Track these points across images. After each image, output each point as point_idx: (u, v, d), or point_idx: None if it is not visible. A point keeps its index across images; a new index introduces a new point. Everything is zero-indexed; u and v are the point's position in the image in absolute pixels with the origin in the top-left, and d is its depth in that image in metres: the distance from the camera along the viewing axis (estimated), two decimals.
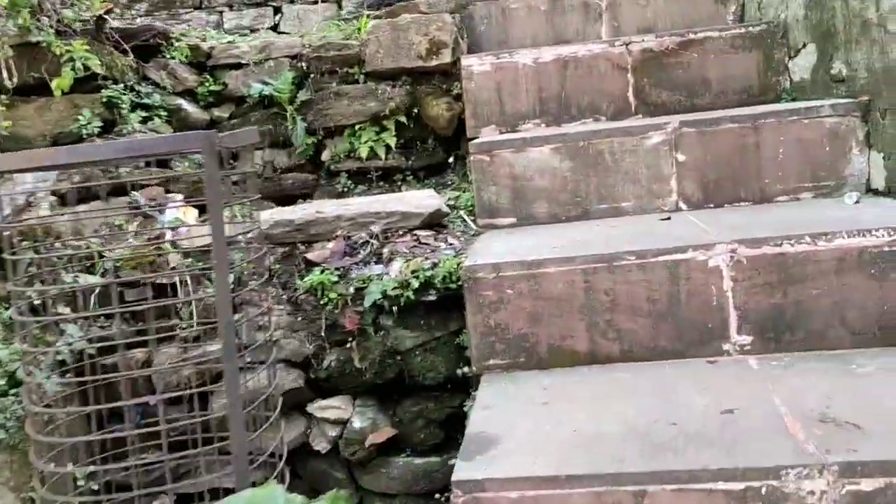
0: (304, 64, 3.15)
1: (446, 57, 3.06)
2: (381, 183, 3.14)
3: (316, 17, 4.50)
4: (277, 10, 4.55)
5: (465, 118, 3.04)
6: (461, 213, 2.60)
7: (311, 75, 3.15)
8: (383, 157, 3.10)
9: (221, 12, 4.49)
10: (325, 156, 3.18)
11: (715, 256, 1.87)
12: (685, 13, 3.44)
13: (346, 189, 3.13)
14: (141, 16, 4.48)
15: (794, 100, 2.84)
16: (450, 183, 3.11)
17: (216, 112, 3.21)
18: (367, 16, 3.67)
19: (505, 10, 3.52)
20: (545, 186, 2.48)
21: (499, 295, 1.95)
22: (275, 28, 4.54)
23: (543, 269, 1.93)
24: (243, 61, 3.16)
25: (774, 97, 2.90)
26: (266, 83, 3.10)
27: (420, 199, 2.44)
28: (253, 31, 4.46)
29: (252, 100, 3.13)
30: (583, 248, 2.01)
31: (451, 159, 3.21)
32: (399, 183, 3.15)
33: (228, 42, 3.23)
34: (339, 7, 4.62)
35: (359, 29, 3.25)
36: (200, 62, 3.20)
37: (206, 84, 3.17)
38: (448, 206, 2.66)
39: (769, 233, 1.92)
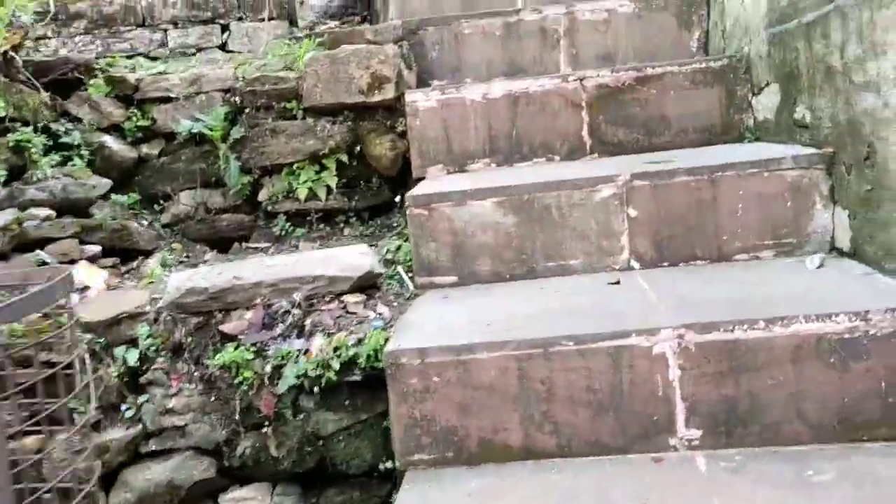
0: (237, 98, 2.94)
1: (389, 92, 2.86)
2: (322, 225, 2.94)
3: (265, 35, 4.29)
4: (225, 28, 4.34)
5: (410, 157, 2.85)
6: (399, 268, 2.40)
7: (246, 110, 2.94)
8: (324, 198, 2.90)
9: (166, 30, 4.26)
10: (262, 196, 2.97)
11: (661, 342, 1.69)
12: (647, 39, 3.26)
13: (284, 232, 2.93)
14: (80, 34, 4.25)
15: (757, 139, 2.67)
16: (395, 225, 2.92)
17: (145, 149, 2.99)
18: (311, 37, 3.47)
19: (458, 35, 3.32)
20: (488, 243, 2.29)
21: (425, 383, 1.76)
22: (223, 46, 4.33)
23: (474, 355, 1.74)
24: (173, 95, 2.94)
25: (737, 136, 2.73)
26: (197, 119, 2.88)
27: (351, 259, 2.24)
28: (199, 49, 4.25)
29: (182, 136, 2.91)
30: (520, 326, 1.82)
31: (397, 198, 3.01)
32: (341, 225, 2.95)
33: (157, 74, 3.00)
34: (291, 24, 4.40)
35: (295, 62, 3.03)
36: (127, 95, 2.98)
37: (134, 119, 2.95)
38: (386, 259, 2.47)
39: (721, 311, 1.74)
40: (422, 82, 3.29)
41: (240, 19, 4.28)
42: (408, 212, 2.31)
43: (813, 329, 1.65)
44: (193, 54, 4.26)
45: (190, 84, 2.94)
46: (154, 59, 4.20)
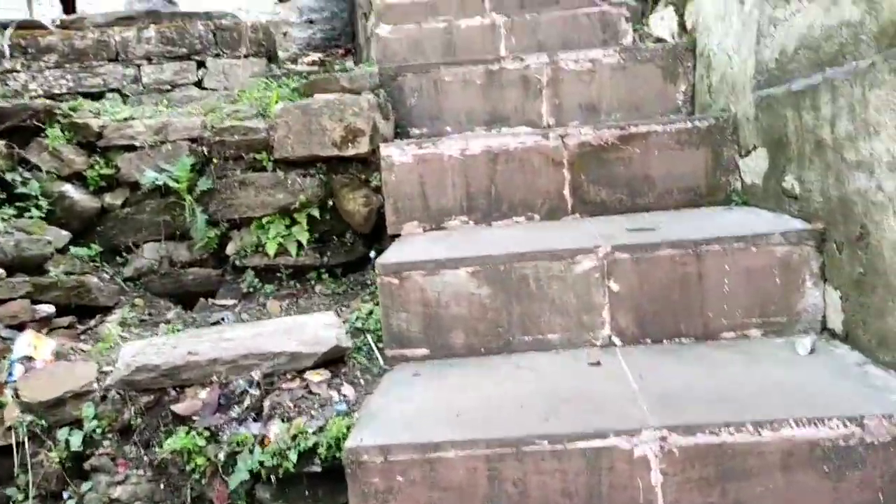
0: (205, 148, 2.81)
1: (363, 146, 2.75)
2: (293, 282, 2.82)
3: (242, 72, 4.18)
4: (201, 64, 4.22)
5: (385, 212, 2.73)
6: (369, 338, 2.28)
7: (214, 160, 2.82)
8: (294, 253, 2.78)
9: (140, 66, 4.14)
10: (230, 249, 2.85)
11: (642, 444, 1.57)
12: (632, 90, 3.17)
13: (252, 288, 2.80)
14: (51, 67, 4.12)
15: (744, 203, 2.57)
16: (369, 282, 2.79)
17: (108, 198, 2.86)
18: (288, 77, 3.37)
19: (438, 82, 3.22)
20: (462, 314, 2.17)
21: (388, 483, 1.63)
22: (199, 83, 4.21)
23: (441, 454, 1.62)
24: (138, 143, 2.82)
25: (724, 198, 2.64)
26: (162, 170, 2.76)
27: (316, 331, 2.11)
28: (174, 86, 4.14)
29: (147, 187, 2.78)
30: (491, 418, 1.70)
31: (372, 253, 2.89)
32: (313, 282, 2.83)
33: (123, 120, 2.87)
34: (270, 62, 4.29)
35: (267, 108, 2.92)
36: (91, 142, 2.84)
37: (97, 167, 2.82)
38: (355, 328, 2.34)
39: (707, 407, 1.63)
40: (400, 130, 3.19)
41: (217, 56, 4.17)
42: (378, 280, 2.19)
43: (805, 434, 1.54)
44: (168, 91, 4.15)
45: (156, 132, 2.82)
46: (126, 95, 4.09)
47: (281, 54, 5.98)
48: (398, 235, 2.70)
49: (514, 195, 2.70)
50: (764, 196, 2.42)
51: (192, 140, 2.81)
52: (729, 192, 2.64)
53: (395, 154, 2.70)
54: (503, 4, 4.13)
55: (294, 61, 6.06)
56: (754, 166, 2.48)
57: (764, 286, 2.09)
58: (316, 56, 6.00)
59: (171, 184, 2.71)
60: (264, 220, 2.77)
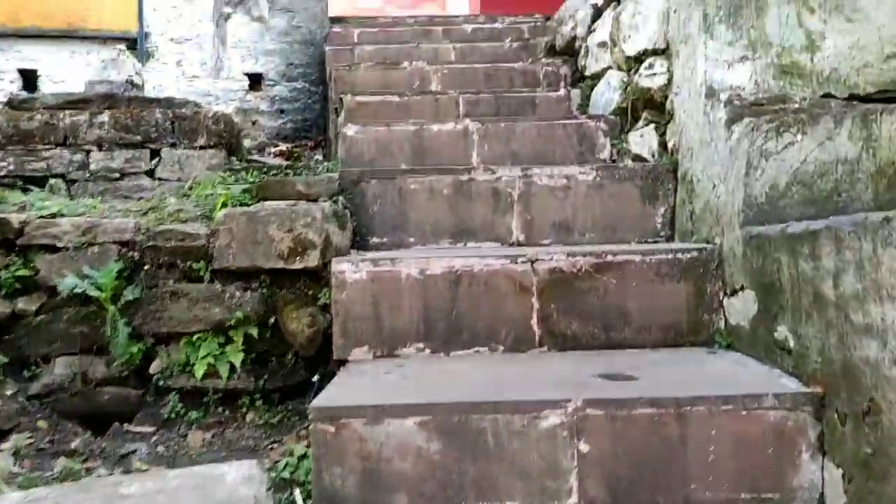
0: (136, 253, 2.54)
1: (313, 260, 2.49)
2: (221, 409, 2.49)
3: (200, 163, 3.95)
4: (156, 153, 3.98)
5: (333, 333, 2.44)
6: (296, 494, 1.95)
7: (146, 267, 2.54)
8: (225, 376, 2.47)
9: (89, 151, 3.90)
10: (154, 368, 2.53)
11: None
12: (608, 210, 2.97)
13: (175, 414, 2.47)
14: None
15: (729, 346, 2.33)
16: (309, 413, 2.47)
17: (21, 303, 2.55)
18: (241, 178, 3.13)
19: (403, 190, 3.00)
20: (407, 472, 1.86)
21: None
22: (150, 173, 3.97)
23: None
24: (61, 244, 2.53)
25: (707, 338, 2.39)
26: (85, 275, 2.46)
27: (231, 490, 1.78)
28: (124, 174, 3.89)
29: (66, 293, 2.48)
30: None
31: (315, 377, 2.58)
32: (244, 409, 2.51)
33: (49, 217, 2.60)
34: (230, 154, 4.07)
35: (213, 210, 2.66)
36: (9, 239, 2.55)
37: (13, 267, 2.52)
38: (282, 478, 2.02)
39: None
40: (359, 238, 2.94)
41: (173, 145, 3.94)
42: (311, 427, 1.89)
43: None
44: (117, 179, 3.90)
45: (83, 233, 2.54)
46: (72, 181, 3.82)
47: (248, 143, 5.81)
48: (345, 361, 2.41)
49: (477, 322, 2.44)
50: (751, 342, 2.18)
51: (123, 244, 2.53)
52: (712, 332, 2.39)
53: (348, 271, 2.44)
54: (478, 110, 3.99)
55: (261, 150, 5.88)
56: (741, 308, 2.24)
57: (754, 456, 1.81)
58: (284, 146, 5.82)
59: (93, 292, 2.41)
60: (195, 337, 2.47)
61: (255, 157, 5.45)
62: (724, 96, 2.53)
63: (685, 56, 2.84)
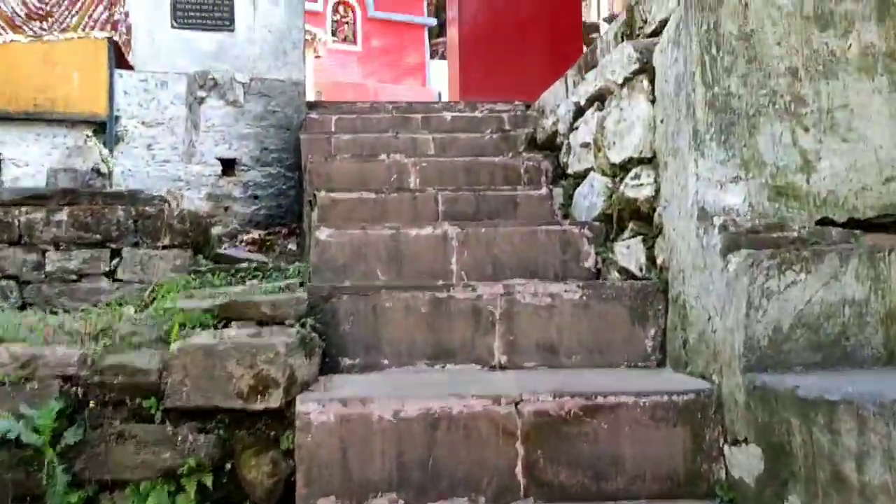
0: (81, 389, 2.29)
1: (275, 399, 2.27)
2: None
3: (163, 264, 3.74)
4: (116, 253, 3.77)
5: (296, 480, 2.21)
6: None
7: (91, 405, 2.30)
8: None
9: (45, 251, 3.69)
10: None
11: None
12: (596, 331, 2.80)
13: None
14: None
15: (730, 502, 2.12)
16: None
17: None
18: (207, 281, 2.92)
19: (377, 307, 2.81)
20: None
21: None
22: (111, 274, 3.75)
23: None
24: None
25: (706, 491, 2.19)
26: (21, 416, 2.21)
27: None
28: (82, 275, 3.68)
29: None
30: None
31: None
32: None
33: None
34: (196, 253, 3.86)
35: (170, 332, 2.44)
36: None
37: None
38: None
39: None
40: (330, 360, 2.74)
41: (135, 245, 3.73)
42: None
43: None
44: (74, 281, 3.67)
45: (22, 366, 2.30)
46: (26, 283, 3.59)
47: (220, 230, 5.61)
48: None
49: (456, 470, 2.22)
50: (757, 501, 1.97)
51: (67, 378, 2.29)
52: (712, 484, 2.19)
53: (314, 412, 2.22)
54: (458, 213, 3.83)
55: (234, 237, 5.68)
56: (745, 462, 2.05)
57: None
58: (257, 234, 5.63)
59: (30, 438, 2.16)
60: (142, 486, 2.22)
61: (226, 246, 5.25)
62: (717, 221, 2.39)
63: (674, 170, 2.71)
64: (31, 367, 2.30)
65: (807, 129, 2.52)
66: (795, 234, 2.34)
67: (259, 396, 2.25)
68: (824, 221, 2.46)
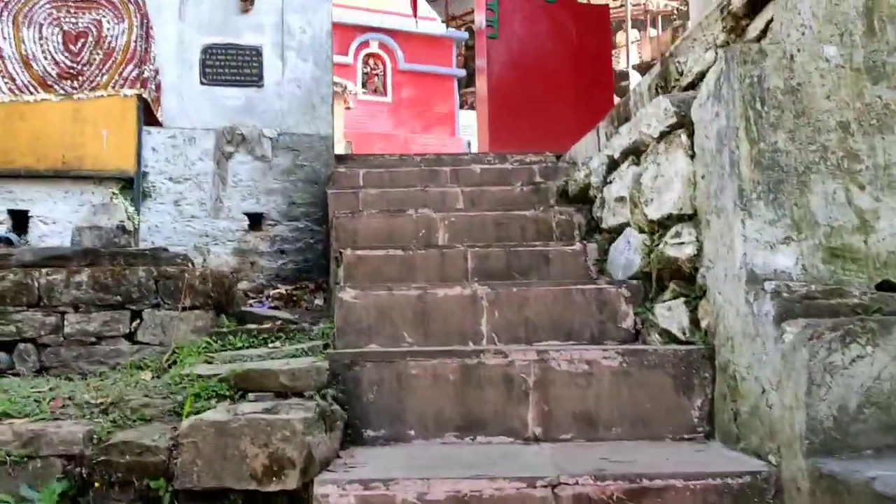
0: (85, 469, 2.15)
1: (292, 481, 2.10)
2: None
3: (185, 326, 3.63)
4: (137, 314, 3.66)
5: None
6: None
7: (95, 485, 2.15)
8: None
9: (64, 313, 3.59)
10: None
11: None
12: (637, 401, 2.61)
13: None
14: None
15: None
16: None
17: None
18: (229, 343, 2.79)
19: (402, 375, 2.65)
20: None
21: None
22: (130, 336, 3.64)
23: None
24: None
25: None
26: (22, 499, 2.07)
27: None
28: (101, 338, 3.58)
29: None
30: None
31: None
32: None
33: None
34: (219, 314, 3.75)
35: (182, 405, 2.30)
36: None
37: None
38: None
39: None
40: (352, 431, 2.58)
41: (156, 306, 3.63)
42: None
43: None
44: (93, 343, 3.57)
45: (24, 444, 2.17)
46: (43, 346, 3.50)
47: (246, 285, 5.52)
48: None
49: None
50: None
51: (69, 458, 2.15)
52: None
53: (333, 495, 2.05)
54: (488, 270, 3.68)
55: (260, 292, 5.59)
56: None
57: None
58: (284, 289, 5.53)
59: None
60: None
61: (252, 302, 5.15)
62: (769, 286, 2.21)
63: (718, 230, 2.54)
64: (35, 446, 2.17)
65: (862, 187, 2.35)
66: (856, 299, 2.14)
67: (274, 477, 2.08)
68: (883, 286, 2.27)
